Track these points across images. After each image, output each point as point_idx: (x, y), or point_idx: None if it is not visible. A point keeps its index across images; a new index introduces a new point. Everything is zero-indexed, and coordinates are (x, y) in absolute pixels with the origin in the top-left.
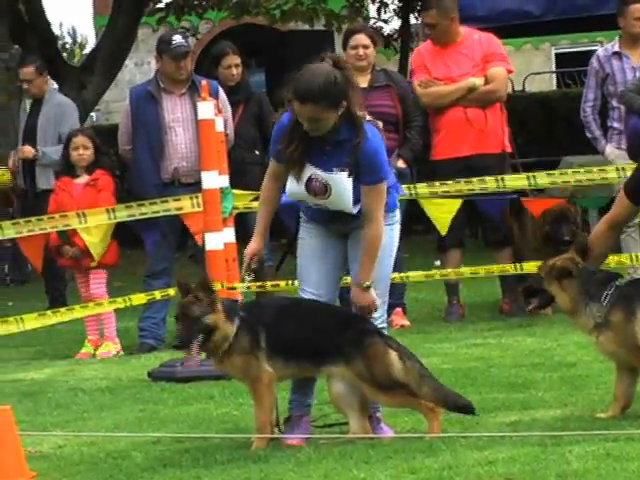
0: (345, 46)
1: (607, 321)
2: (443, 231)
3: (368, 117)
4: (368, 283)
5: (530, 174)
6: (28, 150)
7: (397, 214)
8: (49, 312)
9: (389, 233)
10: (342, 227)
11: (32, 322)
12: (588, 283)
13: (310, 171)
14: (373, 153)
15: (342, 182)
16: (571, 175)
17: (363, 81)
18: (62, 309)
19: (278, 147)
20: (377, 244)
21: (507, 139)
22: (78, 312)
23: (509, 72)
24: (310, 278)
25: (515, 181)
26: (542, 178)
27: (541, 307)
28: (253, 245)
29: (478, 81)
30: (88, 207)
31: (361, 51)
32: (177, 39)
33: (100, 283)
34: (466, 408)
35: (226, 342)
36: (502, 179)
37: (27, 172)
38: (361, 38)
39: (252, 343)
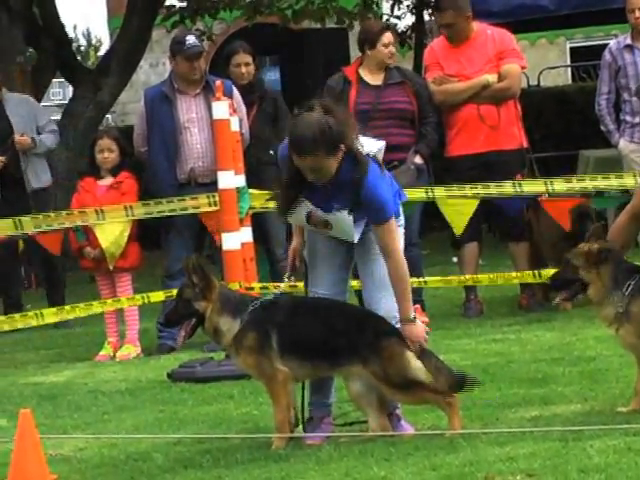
0: (374, 43)
1: (628, 312)
2: (458, 231)
3: (370, 150)
4: (412, 314)
5: (548, 180)
6: (24, 139)
7: (401, 220)
8: (67, 307)
9: None
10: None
11: (51, 317)
12: (619, 271)
13: (308, 207)
14: (373, 193)
15: (343, 219)
16: (589, 182)
17: (377, 79)
18: (81, 304)
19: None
20: (404, 280)
21: (523, 134)
22: (97, 307)
23: (523, 68)
24: (320, 280)
25: (532, 186)
26: (560, 184)
27: (572, 297)
28: (293, 243)
29: (491, 78)
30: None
31: (392, 49)
32: (191, 39)
33: (127, 286)
34: (472, 381)
35: (219, 334)
36: (519, 184)
37: (12, 172)
38: (390, 36)
39: (260, 342)
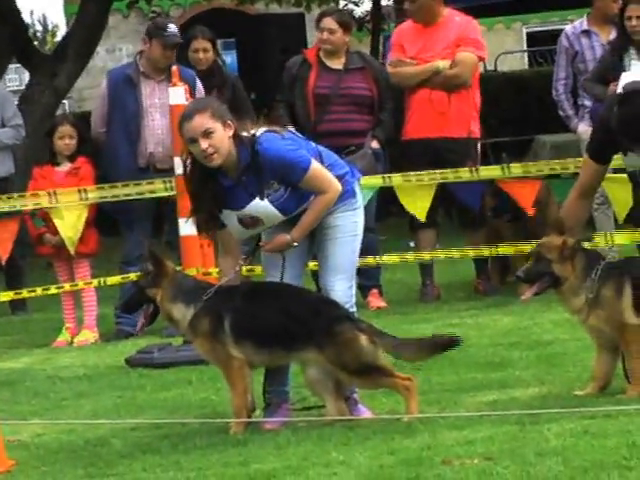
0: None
1: (598, 297)
2: (422, 217)
3: (262, 128)
4: (295, 243)
5: (504, 165)
6: None
7: (358, 199)
8: (24, 290)
9: (350, 217)
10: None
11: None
12: (587, 259)
13: (234, 215)
14: (278, 158)
15: (259, 207)
16: (544, 164)
17: (338, 63)
18: (38, 288)
19: None
20: (322, 204)
21: (476, 124)
22: (54, 290)
23: (481, 59)
24: (273, 265)
25: (489, 171)
26: (516, 168)
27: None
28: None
29: (442, 64)
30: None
31: (325, 35)
32: (172, 27)
33: (85, 272)
34: (452, 341)
35: (174, 321)
36: (476, 170)
37: None
38: (328, 22)
39: (213, 327)
